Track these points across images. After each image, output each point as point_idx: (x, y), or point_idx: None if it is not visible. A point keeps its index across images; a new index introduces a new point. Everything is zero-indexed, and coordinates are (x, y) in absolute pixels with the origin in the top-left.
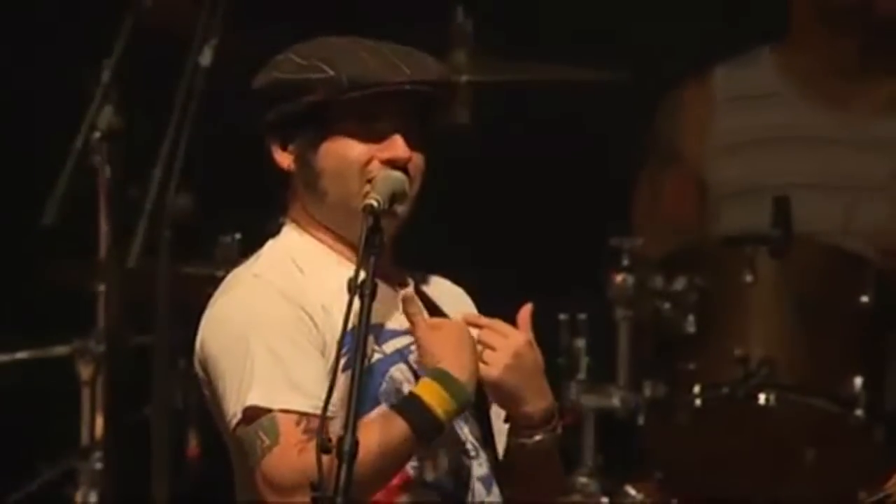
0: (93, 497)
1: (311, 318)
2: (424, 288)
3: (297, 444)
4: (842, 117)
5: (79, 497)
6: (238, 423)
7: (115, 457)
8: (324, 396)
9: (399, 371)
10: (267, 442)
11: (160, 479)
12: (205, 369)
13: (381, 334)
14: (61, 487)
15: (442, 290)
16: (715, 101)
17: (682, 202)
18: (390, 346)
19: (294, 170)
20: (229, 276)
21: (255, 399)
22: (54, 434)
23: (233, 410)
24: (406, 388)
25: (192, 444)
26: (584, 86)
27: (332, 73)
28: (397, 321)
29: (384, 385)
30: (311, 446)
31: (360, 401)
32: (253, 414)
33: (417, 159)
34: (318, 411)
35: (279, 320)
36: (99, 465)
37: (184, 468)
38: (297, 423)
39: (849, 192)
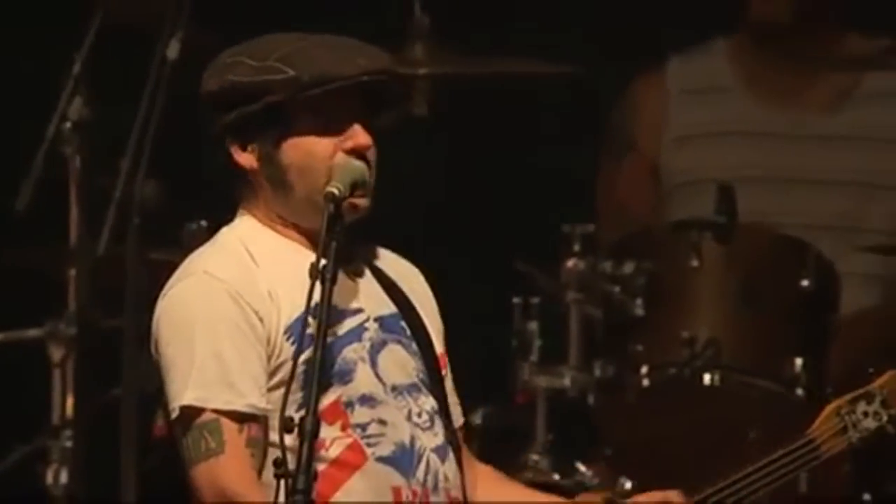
0: (63, 474)
1: (257, 314)
2: (380, 264)
3: (241, 454)
4: (791, 112)
5: (49, 474)
6: (177, 418)
7: (84, 435)
8: (257, 398)
9: (353, 351)
10: (212, 445)
11: (128, 458)
12: (156, 351)
13: (334, 316)
14: (33, 464)
15: (399, 268)
16: (669, 93)
17: (636, 189)
18: (343, 328)
19: (257, 168)
20: (185, 263)
21: (190, 398)
22: (26, 413)
23: (172, 404)
24: (360, 368)
25: (159, 424)
26: (539, 78)
27: (291, 72)
28: (349, 300)
29: (337, 366)
30: (255, 461)
31: (310, 384)
32: (191, 413)
33: (372, 143)
34: (253, 411)
35: (223, 321)
36: (69, 444)
37: (151, 447)
38: (240, 431)
39: (793, 185)
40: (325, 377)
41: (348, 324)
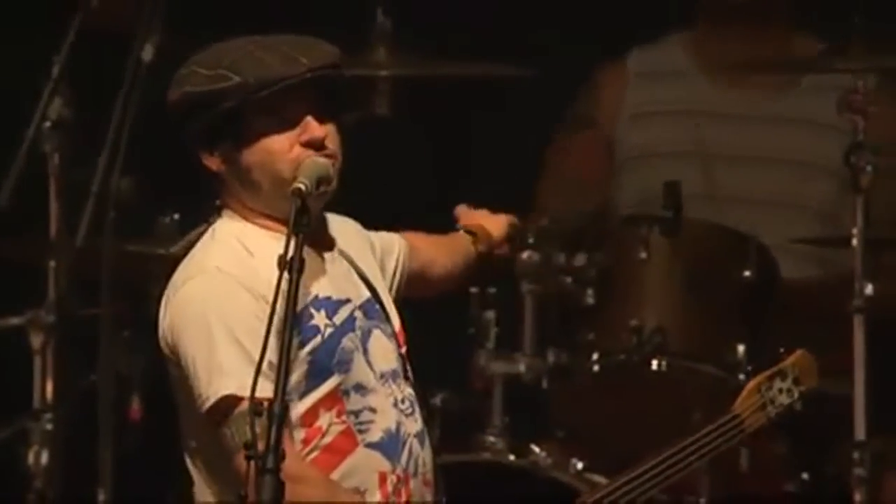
0: (43, 455)
1: (266, 301)
2: (339, 241)
3: (286, 437)
4: (740, 94)
5: (30, 455)
6: (213, 408)
7: (63, 418)
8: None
9: (350, 340)
10: (258, 430)
11: (105, 439)
12: (173, 350)
13: (329, 307)
14: (15, 446)
15: (345, 233)
16: (628, 76)
17: (589, 159)
18: (339, 317)
19: (224, 170)
20: (189, 259)
21: (231, 388)
22: (8, 397)
23: (206, 395)
24: (356, 356)
25: (135, 408)
26: (495, 79)
27: (238, 78)
28: (337, 288)
29: (338, 355)
30: (303, 452)
31: (312, 371)
32: (231, 402)
33: (332, 130)
34: (287, 398)
35: (242, 312)
36: (49, 426)
37: (126, 429)
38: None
39: (738, 161)
40: (327, 367)
41: (342, 313)
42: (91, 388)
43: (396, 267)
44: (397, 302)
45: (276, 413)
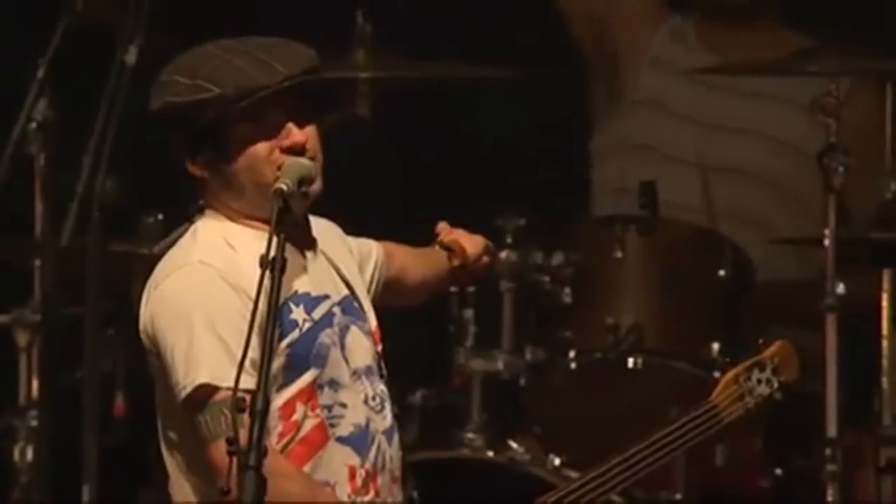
0: (29, 451)
1: (251, 298)
2: (320, 241)
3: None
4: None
5: (16, 451)
6: (189, 397)
7: (49, 415)
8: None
9: (327, 335)
10: (231, 420)
11: (90, 435)
12: (153, 342)
13: (308, 302)
14: (1, 442)
15: (326, 235)
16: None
17: None
18: (318, 313)
19: (208, 176)
20: (171, 255)
21: (206, 377)
22: None
23: (183, 383)
24: (333, 352)
25: (119, 404)
26: (476, 82)
27: (217, 90)
28: (317, 286)
29: (315, 349)
30: (279, 444)
31: (290, 365)
32: (207, 391)
33: (312, 132)
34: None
35: (221, 304)
36: (35, 423)
37: (110, 425)
38: (240, 409)
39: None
40: (304, 360)
41: (321, 309)
42: (76, 384)
43: (374, 273)
44: (374, 308)
45: (258, 410)
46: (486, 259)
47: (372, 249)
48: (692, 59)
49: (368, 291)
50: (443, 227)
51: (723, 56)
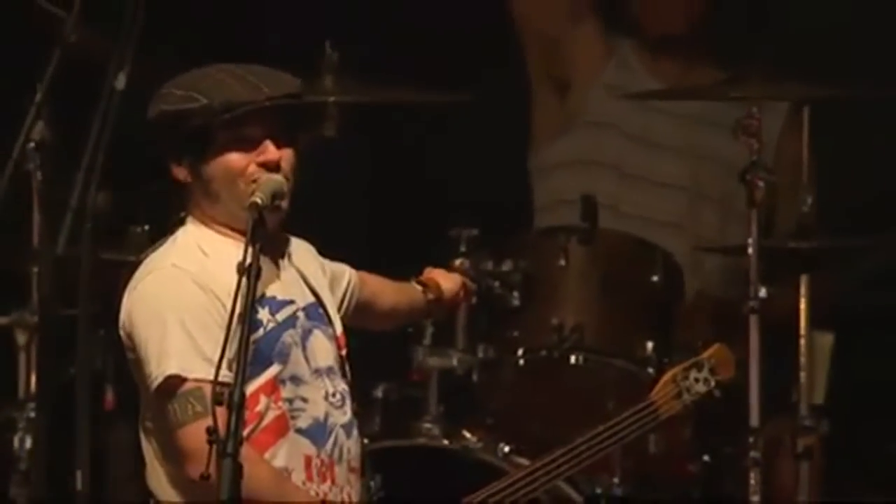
0: (27, 440)
1: (219, 299)
2: (293, 254)
3: (222, 416)
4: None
5: (16, 441)
6: (159, 388)
7: (45, 407)
8: (226, 370)
9: (289, 336)
10: (198, 408)
11: (82, 426)
12: (129, 337)
13: (273, 305)
14: (1, 432)
15: (299, 252)
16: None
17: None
18: (282, 315)
19: (189, 181)
20: (149, 260)
21: (175, 369)
22: None
23: (154, 374)
24: (294, 351)
25: (108, 398)
26: (431, 106)
27: (205, 101)
28: (284, 291)
29: (277, 347)
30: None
31: (254, 360)
32: (175, 382)
33: (288, 155)
34: (226, 380)
35: (191, 304)
36: (32, 415)
37: (101, 417)
38: (218, 401)
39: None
40: (267, 357)
41: (285, 312)
42: (70, 380)
43: (345, 294)
44: (345, 327)
45: (235, 402)
46: (460, 295)
47: (346, 272)
48: (638, 85)
49: (339, 308)
50: (428, 269)
51: (664, 83)
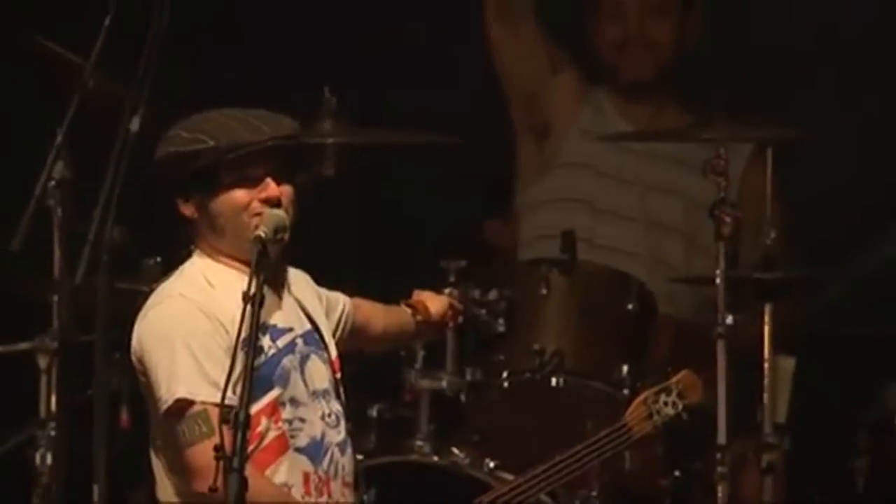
0: (48, 457)
1: (223, 326)
2: (292, 284)
3: (227, 436)
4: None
5: (38, 457)
6: (168, 410)
7: (65, 426)
8: (230, 393)
9: (289, 361)
10: (205, 429)
11: (99, 444)
12: (140, 361)
13: (274, 332)
14: (25, 449)
15: (297, 281)
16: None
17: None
18: (282, 342)
19: (196, 216)
20: (159, 290)
21: (183, 392)
22: (20, 409)
23: (164, 398)
24: (293, 375)
25: (124, 417)
26: (422, 146)
27: (212, 142)
28: (284, 320)
29: (278, 372)
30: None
31: (256, 384)
32: (184, 404)
33: (288, 191)
34: (230, 402)
35: (198, 331)
36: (53, 433)
37: (117, 435)
38: (225, 420)
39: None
40: (269, 381)
41: (284, 339)
42: (88, 401)
43: (339, 320)
44: (340, 353)
45: (240, 421)
46: (448, 315)
47: (339, 300)
48: (611, 128)
49: (335, 333)
50: (416, 291)
51: (635, 125)
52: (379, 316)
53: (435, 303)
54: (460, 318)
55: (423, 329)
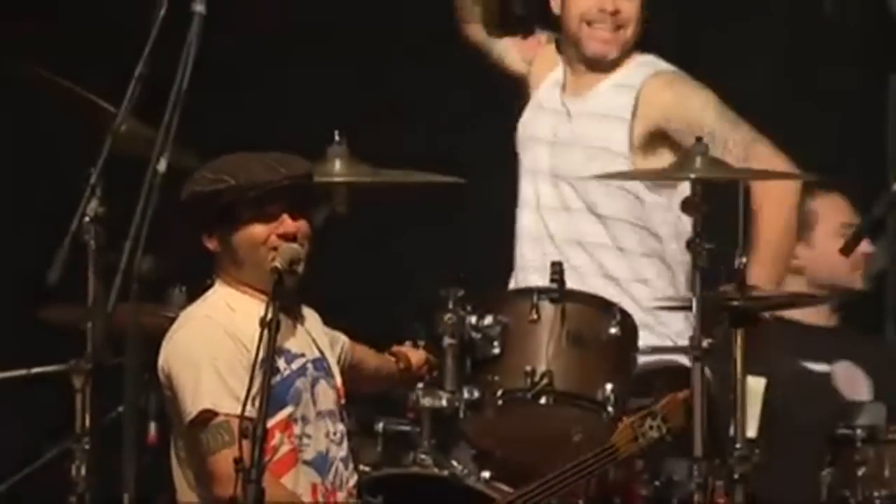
0: (83, 469)
1: (244, 346)
2: (305, 316)
3: (246, 446)
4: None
5: (73, 469)
6: (193, 421)
7: (98, 441)
8: (250, 407)
9: (301, 382)
10: (227, 438)
11: (129, 457)
12: (167, 377)
13: (288, 356)
14: (62, 462)
15: (308, 315)
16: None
17: None
18: (295, 364)
19: (219, 249)
20: (184, 314)
21: (207, 404)
22: (57, 425)
23: (189, 411)
24: (304, 395)
25: (152, 433)
26: (430, 185)
27: (233, 181)
28: (297, 346)
29: (291, 391)
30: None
31: (272, 402)
32: (208, 415)
33: (303, 226)
34: (251, 414)
35: (222, 349)
36: (87, 447)
37: (145, 450)
38: (244, 434)
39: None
40: (283, 399)
41: (297, 362)
42: (118, 418)
43: (340, 355)
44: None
45: (257, 436)
46: (425, 367)
47: (340, 338)
48: (558, 106)
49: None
50: (395, 346)
51: (582, 100)
52: (370, 359)
53: (414, 356)
54: (435, 372)
55: (404, 377)
